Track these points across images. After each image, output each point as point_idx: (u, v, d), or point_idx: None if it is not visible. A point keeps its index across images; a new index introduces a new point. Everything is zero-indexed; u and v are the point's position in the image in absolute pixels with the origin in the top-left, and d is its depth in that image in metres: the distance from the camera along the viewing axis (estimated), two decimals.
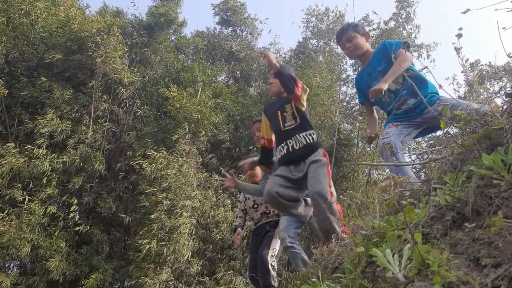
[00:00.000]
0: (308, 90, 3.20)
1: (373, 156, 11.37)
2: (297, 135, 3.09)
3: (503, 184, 1.09)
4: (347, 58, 14.13)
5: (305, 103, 3.17)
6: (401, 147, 2.90)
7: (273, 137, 3.40)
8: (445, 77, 12.52)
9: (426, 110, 2.86)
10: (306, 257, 3.21)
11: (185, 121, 9.36)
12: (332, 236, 2.51)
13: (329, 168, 3.04)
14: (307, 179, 2.87)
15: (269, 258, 3.69)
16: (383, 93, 2.80)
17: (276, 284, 3.70)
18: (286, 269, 9.06)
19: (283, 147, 3.15)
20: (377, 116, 3.50)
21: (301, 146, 3.07)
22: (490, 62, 10.29)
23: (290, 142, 3.10)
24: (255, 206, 4.20)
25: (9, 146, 7.85)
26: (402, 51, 2.94)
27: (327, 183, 2.87)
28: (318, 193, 2.74)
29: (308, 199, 3.00)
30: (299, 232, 3.51)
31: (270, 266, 3.66)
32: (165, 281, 7.88)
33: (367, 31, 3.33)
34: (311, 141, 3.09)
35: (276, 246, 3.80)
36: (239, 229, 4.41)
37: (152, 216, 7.82)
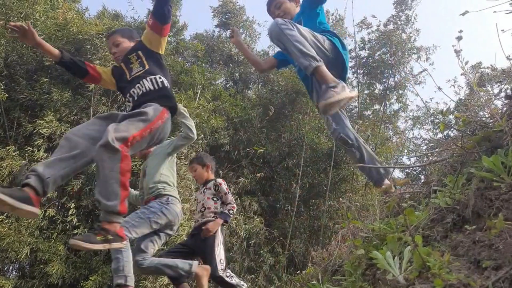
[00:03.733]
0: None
1: None
2: (142, 80, 2.55)
3: (503, 186, 1.09)
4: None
5: (163, 44, 2.71)
6: (353, 135, 2.88)
7: (98, 73, 2.87)
8: (446, 80, 12.53)
9: None
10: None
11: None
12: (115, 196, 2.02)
13: (156, 123, 2.34)
14: None
15: (222, 273, 3.49)
16: None
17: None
18: (285, 271, 9.05)
19: (129, 102, 2.59)
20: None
21: (144, 91, 2.52)
22: (491, 65, 10.31)
23: (134, 91, 2.56)
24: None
25: (9, 149, 7.84)
26: None
27: (129, 133, 2.15)
28: (102, 144, 2.03)
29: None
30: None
31: (227, 280, 3.48)
32: (166, 285, 7.86)
33: None
34: (158, 86, 2.55)
35: (221, 255, 3.57)
36: None
37: None
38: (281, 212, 10.68)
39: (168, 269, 3.33)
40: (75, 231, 8.20)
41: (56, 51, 2.80)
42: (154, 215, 3.32)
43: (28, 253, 7.43)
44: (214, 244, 3.55)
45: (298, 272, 4.37)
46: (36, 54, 9.35)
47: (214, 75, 12.24)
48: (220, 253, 3.56)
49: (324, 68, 2.41)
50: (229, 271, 3.59)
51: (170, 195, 3.58)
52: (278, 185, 10.66)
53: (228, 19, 14.28)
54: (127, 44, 2.78)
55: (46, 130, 8.26)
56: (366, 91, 13.49)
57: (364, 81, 13.39)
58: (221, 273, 3.45)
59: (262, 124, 11.08)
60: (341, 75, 2.76)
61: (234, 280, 3.53)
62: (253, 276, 8.88)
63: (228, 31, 3.22)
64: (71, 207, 8.23)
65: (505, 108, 1.43)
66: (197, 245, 3.68)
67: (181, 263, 3.36)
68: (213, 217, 3.70)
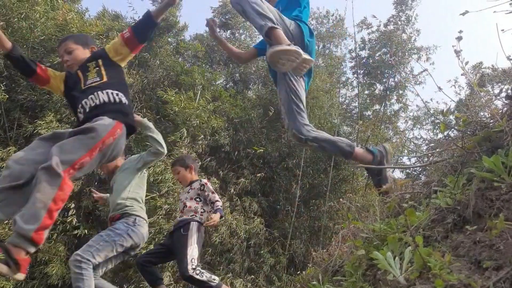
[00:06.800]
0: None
1: None
2: (98, 92, 2.31)
3: (504, 187, 1.09)
4: (347, 61, 14.13)
5: (127, 59, 2.63)
6: (306, 125, 2.67)
7: (48, 75, 2.69)
8: (447, 80, 12.51)
9: None
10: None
11: (183, 125, 9.35)
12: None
13: (107, 140, 2.12)
14: None
15: (192, 273, 3.39)
16: None
17: (215, 282, 3.49)
18: (285, 272, 9.05)
19: (80, 113, 2.33)
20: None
21: (98, 103, 2.27)
22: (492, 65, 10.30)
23: (87, 103, 2.30)
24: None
25: (9, 149, 7.84)
26: None
27: (77, 155, 1.97)
28: (44, 167, 1.86)
29: None
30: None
31: (198, 277, 3.40)
32: (167, 285, 7.86)
33: None
34: (115, 101, 2.31)
35: (193, 254, 3.49)
36: None
37: (149, 220, 7.81)
38: (281, 213, 10.67)
39: None
40: (75, 232, 8.21)
41: (8, 43, 2.51)
42: (120, 238, 3.18)
43: None
44: (187, 243, 3.50)
45: (298, 272, 4.37)
46: (37, 55, 9.36)
47: (214, 76, 12.24)
48: (192, 252, 3.48)
49: (280, 32, 2.29)
50: (199, 268, 3.48)
51: (138, 216, 3.43)
52: (278, 186, 10.66)
53: (228, 19, 14.28)
54: (81, 51, 2.61)
55: (47, 131, 8.27)
56: (367, 91, 13.51)
57: (364, 81, 13.41)
58: (191, 272, 3.37)
59: (262, 125, 11.08)
60: None
61: (205, 276, 3.44)
62: (253, 276, 8.88)
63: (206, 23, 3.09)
64: (71, 207, 8.23)
65: (505, 108, 1.43)
66: (173, 244, 3.67)
67: None
68: (192, 215, 3.71)
